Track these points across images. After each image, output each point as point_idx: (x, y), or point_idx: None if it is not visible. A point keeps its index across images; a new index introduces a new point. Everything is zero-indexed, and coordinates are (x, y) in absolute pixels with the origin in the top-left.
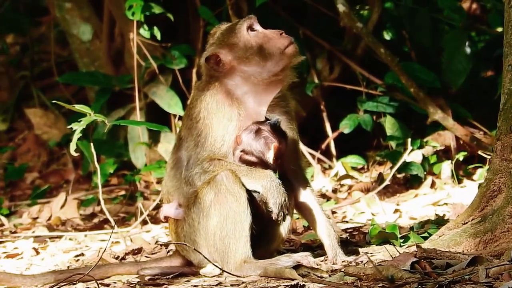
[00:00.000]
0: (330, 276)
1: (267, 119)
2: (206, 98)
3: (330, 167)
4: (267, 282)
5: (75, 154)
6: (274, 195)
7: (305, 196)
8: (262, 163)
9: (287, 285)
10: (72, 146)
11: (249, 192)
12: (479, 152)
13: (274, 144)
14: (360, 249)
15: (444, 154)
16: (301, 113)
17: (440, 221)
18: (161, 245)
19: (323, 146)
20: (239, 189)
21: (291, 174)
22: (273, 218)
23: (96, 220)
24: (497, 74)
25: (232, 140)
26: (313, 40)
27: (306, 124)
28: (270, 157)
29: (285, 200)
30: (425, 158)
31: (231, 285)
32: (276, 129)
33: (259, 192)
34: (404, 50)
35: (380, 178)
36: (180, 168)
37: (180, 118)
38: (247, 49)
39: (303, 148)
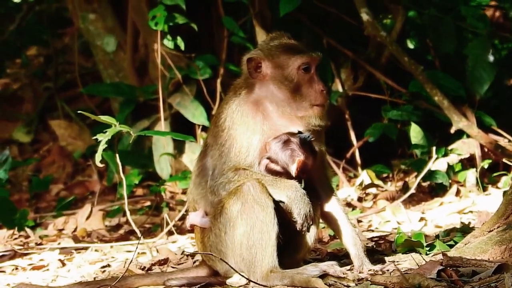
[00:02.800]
0: (356, 285)
1: (300, 132)
2: (233, 105)
3: (355, 176)
4: None
5: (100, 165)
6: (299, 205)
7: (331, 205)
8: (287, 173)
9: None
10: (98, 157)
11: (275, 202)
12: (504, 160)
13: (299, 158)
14: (386, 258)
15: (468, 162)
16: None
17: (465, 229)
18: (187, 255)
19: (348, 155)
20: (266, 199)
21: (317, 183)
22: (297, 229)
23: (121, 231)
24: None
25: (257, 152)
26: (337, 49)
27: (331, 133)
28: (293, 170)
29: (309, 211)
30: (450, 166)
31: None
32: (305, 143)
33: (284, 202)
34: (428, 58)
35: (405, 187)
36: (205, 176)
37: (204, 128)
38: (286, 80)
39: (328, 157)
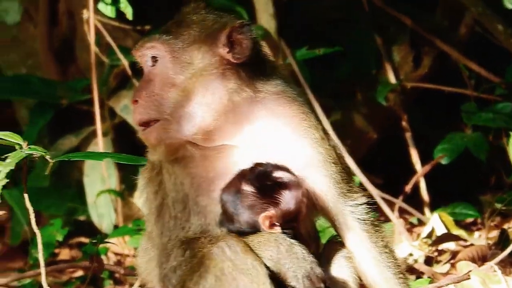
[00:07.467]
0: None
1: (258, 164)
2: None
3: (421, 223)
4: None
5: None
6: (289, 265)
7: (372, 263)
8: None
9: None
10: None
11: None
12: None
13: (264, 214)
14: None
15: None
16: (370, 135)
17: None
18: None
19: (408, 188)
20: (253, 262)
21: (339, 225)
22: None
23: None
24: None
25: (210, 206)
26: (387, 14)
27: (378, 152)
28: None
29: (311, 269)
30: None
31: None
32: (268, 179)
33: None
34: None
35: (504, 239)
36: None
37: None
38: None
39: (374, 192)
